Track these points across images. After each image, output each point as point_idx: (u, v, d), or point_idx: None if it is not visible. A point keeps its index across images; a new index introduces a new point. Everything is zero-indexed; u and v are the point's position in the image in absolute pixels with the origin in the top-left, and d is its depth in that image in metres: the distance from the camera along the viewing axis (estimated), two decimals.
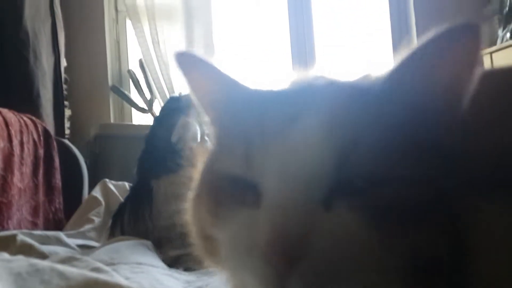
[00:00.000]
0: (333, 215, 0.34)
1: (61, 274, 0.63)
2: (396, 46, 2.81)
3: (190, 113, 1.63)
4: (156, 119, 1.76)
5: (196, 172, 0.46)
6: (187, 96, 1.70)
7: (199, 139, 1.60)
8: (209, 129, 0.50)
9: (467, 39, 0.35)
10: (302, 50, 2.81)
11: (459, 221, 0.34)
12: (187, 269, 1.34)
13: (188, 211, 0.46)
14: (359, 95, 0.38)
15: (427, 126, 0.36)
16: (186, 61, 0.47)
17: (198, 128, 1.60)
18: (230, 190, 0.39)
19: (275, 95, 0.43)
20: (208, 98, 0.48)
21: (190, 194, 0.46)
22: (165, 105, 1.82)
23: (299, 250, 0.32)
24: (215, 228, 0.40)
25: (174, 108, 1.66)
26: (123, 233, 1.59)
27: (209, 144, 0.48)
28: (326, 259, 0.33)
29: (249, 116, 0.40)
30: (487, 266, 0.34)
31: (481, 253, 0.34)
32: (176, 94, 1.83)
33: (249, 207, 0.37)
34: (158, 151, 1.61)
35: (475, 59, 0.36)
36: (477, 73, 0.36)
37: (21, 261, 0.64)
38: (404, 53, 0.38)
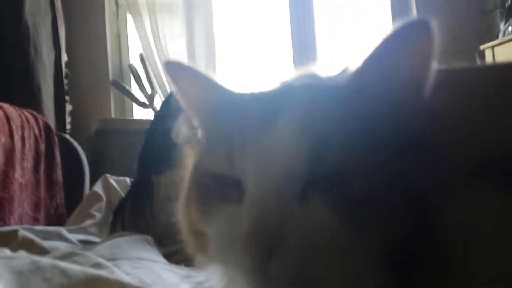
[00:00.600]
0: (307, 208, 0.36)
1: (63, 272, 0.64)
2: None
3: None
4: (157, 114, 1.76)
5: (186, 172, 0.49)
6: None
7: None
8: (198, 132, 0.53)
9: (420, 34, 0.37)
10: (303, 44, 2.80)
11: (432, 213, 0.35)
12: (187, 264, 1.35)
13: (180, 209, 0.49)
14: (330, 94, 0.40)
15: (393, 119, 0.38)
16: (174, 68, 0.51)
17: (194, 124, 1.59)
18: (216, 188, 0.42)
19: (255, 97, 0.45)
20: (196, 102, 0.51)
21: (182, 194, 0.49)
22: (165, 100, 1.81)
23: (276, 240, 0.35)
24: (204, 224, 0.43)
25: (175, 103, 1.66)
26: (124, 228, 1.60)
27: (198, 145, 0.51)
28: (301, 248, 0.35)
29: (231, 118, 0.43)
30: (468, 261, 0.36)
31: (459, 245, 0.36)
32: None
33: (233, 203, 0.39)
34: (158, 146, 1.61)
35: (430, 53, 0.38)
36: (434, 65, 0.39)
37: (22, 259, 0.65)
38: (367, 51, 0.40)
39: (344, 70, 0.46)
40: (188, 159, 0.50)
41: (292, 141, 0.37)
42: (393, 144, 0.37)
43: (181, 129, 1.57)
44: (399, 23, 0.37)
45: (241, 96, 0.47)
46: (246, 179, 0.39)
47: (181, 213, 0.49)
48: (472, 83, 0.44)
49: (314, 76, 0.47)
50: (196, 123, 0.53)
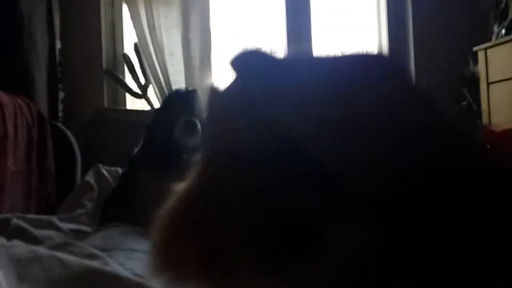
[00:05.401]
0: None
1: (61, 263, 0.64)
2: (392, 43, 2.83)
3: (193, 111, 1.59)
4: (158, 113, 1.72)
5: None
6: (192, 92, 1.67)
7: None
8: None
9: None
10: (298, 36, 2.81)
11: None
12: None
13: None
14: None
15: None
16: None
17: (199, 127, 1.55)
18: None
19: None
20: None
21: None
22: (167, 99, 1.78)
23: None
24: None
25: (177, 104, 1.63)
26: (113, 219, 1.59)
27: None
28: None
29: None
30: None
31: None
32: (181, 88, 1.77)
33: None
34: (157, 148, 1.58)
35: None
36: None
37: (20, 247, 0.65)
38: None
39: None
40: None
41: None
42: None
43: (194, 126, 1.53)
44: None
45: None
46: None
47: None
48: None
49: None
50: None
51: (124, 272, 0.89)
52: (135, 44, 2.63)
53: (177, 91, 1.77)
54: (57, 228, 1.48)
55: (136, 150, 1.65)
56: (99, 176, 1.94)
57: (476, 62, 2.43)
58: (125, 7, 2.72)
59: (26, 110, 1.83)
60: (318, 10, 2.85)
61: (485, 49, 2.32)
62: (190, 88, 1.73)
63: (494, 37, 2.44)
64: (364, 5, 2.97)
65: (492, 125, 2.26)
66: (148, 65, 2.60)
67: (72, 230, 1.54)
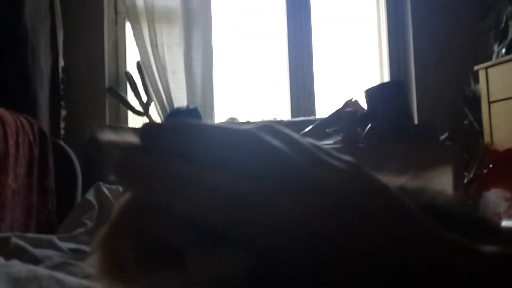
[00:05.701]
0: None
1: (60, 282, 0.63)
2: (393, 63, 2.85)
3: None
4: None
5: None
6: (193, 110, 1.68)
7: None
8: None
9: None
10: (299, 52, 2.83)
11: None
12: None
13: None
14: None
15: None
16: None
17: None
18: None
19: None
20: None
21: None
22: (169, 116, 1.78)
23: None
24: None
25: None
26: None
27: None
28: None
29: None
30: None
31: None
32: (183, 106, 1.79)
33: None
34: None
35: None
36: None
37: (19, 267, 0.64)
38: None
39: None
40: None
41: None
42: None
43: None
44: None
45: None
46: None
47: None
48: None
49: None
50: None
51: None
52: (138, 62, 2.65)
53: (178, 109, 1.77)
54: (56, 248, 1.46)
55: None
56: (99, 194, 1.93)
57: (477, 81, 2.44)
58: (128, 26, 2.74)
59: (28, 128, 1.83)
60: (318, 24, 2.88)
61: (486, 68, 2.33)
62: (192, 106, 1.74)
63: (494, 56, 2.45)
64: (362, 28, 3.00)
65: (494, 144, 2.25)
66: (150, 83, 2.61)
67: (71, 250, 1.53)
